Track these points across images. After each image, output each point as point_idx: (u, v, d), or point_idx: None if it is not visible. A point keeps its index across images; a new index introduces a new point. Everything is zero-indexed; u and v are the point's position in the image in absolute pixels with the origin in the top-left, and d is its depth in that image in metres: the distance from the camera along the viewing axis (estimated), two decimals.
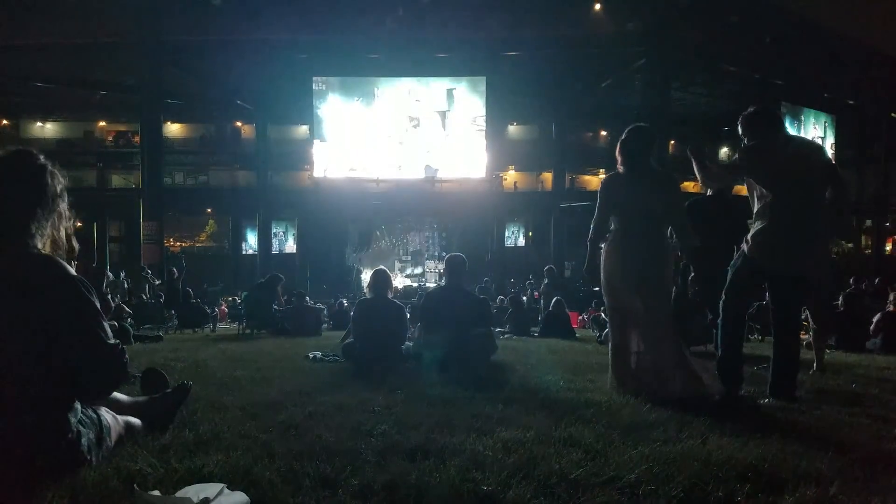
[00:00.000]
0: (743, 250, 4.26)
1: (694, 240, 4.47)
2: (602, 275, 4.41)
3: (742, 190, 4.71)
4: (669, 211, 4.33)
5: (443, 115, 24.85)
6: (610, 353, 4.41)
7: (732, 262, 4.36)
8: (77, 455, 2.24)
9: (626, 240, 4.30)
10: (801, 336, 6.31)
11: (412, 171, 25.06)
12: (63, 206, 2.36)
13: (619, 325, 4.37)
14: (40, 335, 2.15)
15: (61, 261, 2.25)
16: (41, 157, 2.34)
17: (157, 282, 18.88)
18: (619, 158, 4.40)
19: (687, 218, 4.52)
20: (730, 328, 4.31)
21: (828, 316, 6.28)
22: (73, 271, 2.24)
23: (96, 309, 2.27)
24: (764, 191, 4.13)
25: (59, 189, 2.34)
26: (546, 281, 16.51)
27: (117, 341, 2.33)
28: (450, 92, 25.02)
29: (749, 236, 4.22)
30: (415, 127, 24.87)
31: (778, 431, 2.98)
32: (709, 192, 6.11)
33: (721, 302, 4.35)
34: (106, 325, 2.31)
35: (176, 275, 17.95)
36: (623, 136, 4.40)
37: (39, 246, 2.24)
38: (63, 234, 2.36)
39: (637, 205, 4.27)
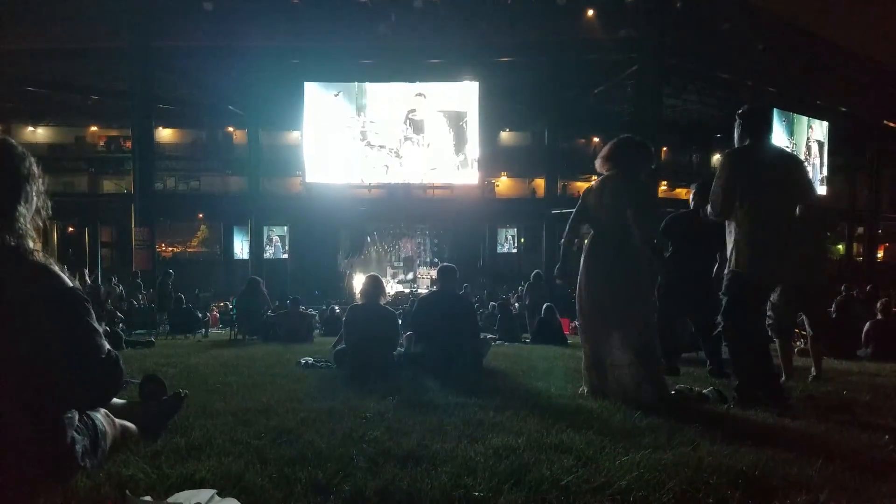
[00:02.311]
0: (732, 269, 4.21)
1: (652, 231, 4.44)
2: (578, 280, 4.41)
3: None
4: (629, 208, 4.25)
5: (435, 121, 24.82)
6: (583, 360, 4.43)
7: (725, 287, 4.27)
8: (71, 462, 2.21)
9: (600, 244, 4.33)
10: (794, 343, 6.34)
11: (404, 177, 25.00)
12: (37, 187, 2.21)
13: (591, 332, 4.35)
14: (36, 346, 2.10)
15: (58, 270, 2.16)
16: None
17: (143, 293, 18.85)
18: (609, 165, 4.42)
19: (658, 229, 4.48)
20: (759, 349, 4.19)
21: (826, 320, 6.25)
22: (69, 282, 2.16)
23: (92, 323, 2.21)
24: (742, 200, 4.13)
25: (26, 170, 2.17)
26: (531, 282, 16.48)
27: (113, 353, 2.28)
28: (442, 98, 25.00)
29: (734, 253, 4.19)
30: (407, 133, 24.81)
31: (769, 438, 2.99)
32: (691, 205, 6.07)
33: (731, 328, 4.25)
34: (101, 338, 2.23)
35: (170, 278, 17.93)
36: (617, 148, 4.42)
37: (23, 227, 2.13)
38: (41, 218, 2.25)
39: (610, 208, 4.27)
